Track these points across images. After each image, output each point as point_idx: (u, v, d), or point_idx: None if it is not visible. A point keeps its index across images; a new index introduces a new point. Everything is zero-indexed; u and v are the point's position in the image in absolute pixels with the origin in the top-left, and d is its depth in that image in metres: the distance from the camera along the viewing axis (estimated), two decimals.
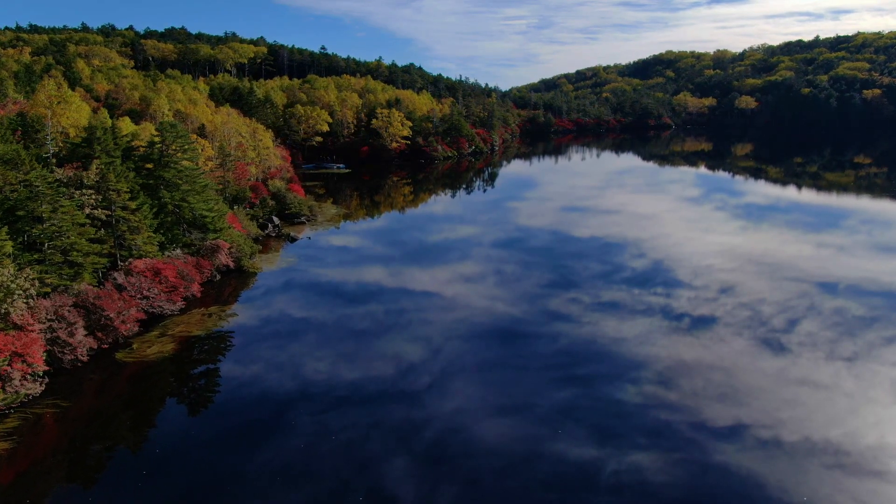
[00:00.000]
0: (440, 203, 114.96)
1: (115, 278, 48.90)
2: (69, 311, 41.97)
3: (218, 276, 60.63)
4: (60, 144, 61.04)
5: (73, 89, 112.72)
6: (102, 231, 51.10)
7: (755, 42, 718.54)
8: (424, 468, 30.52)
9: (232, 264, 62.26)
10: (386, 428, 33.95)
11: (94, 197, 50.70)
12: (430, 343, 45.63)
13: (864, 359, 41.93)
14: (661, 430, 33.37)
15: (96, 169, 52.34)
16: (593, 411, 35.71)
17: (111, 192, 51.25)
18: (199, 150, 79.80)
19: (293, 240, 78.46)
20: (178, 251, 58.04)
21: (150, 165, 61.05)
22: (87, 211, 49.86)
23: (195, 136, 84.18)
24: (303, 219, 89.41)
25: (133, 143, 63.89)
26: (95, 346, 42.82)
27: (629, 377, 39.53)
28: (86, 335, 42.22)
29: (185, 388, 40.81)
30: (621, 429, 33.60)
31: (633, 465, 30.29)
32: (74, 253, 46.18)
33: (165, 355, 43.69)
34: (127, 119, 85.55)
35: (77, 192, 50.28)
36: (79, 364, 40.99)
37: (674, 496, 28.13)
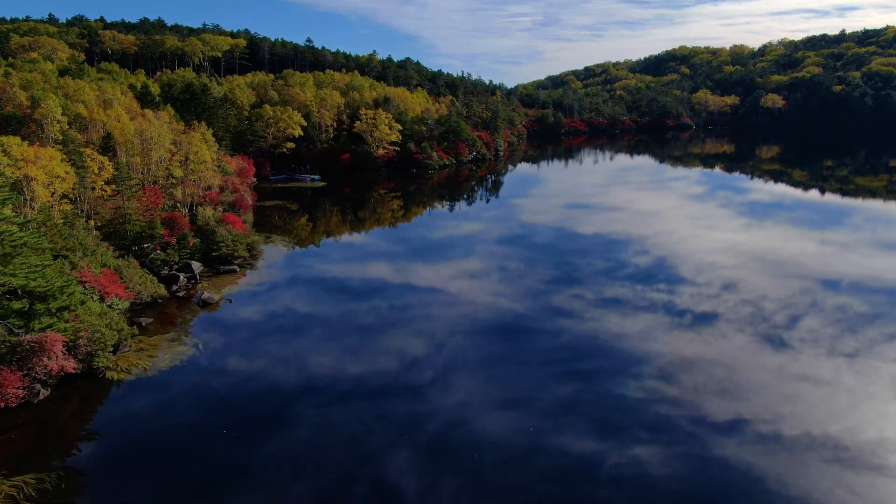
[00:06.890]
0: (437, 214, 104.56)
1: None
2: None
3: (43, 393, 36.52)
4: None
5: None
6: None
7: (761, 39, 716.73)
8: (427, 460, 30.95)
9: (75, 368, 37.79)
10: (390, 421, 34.37)
11: None
12: (433, 338, 46.02)
13: (865, 355, 42.14)
14: (661, 425, 33.71)
15: None
16: (595, 406, 36.05)
17: None
18: (92, 170, 59.72)
19: (205, 304, 53.08)
20: None
21: None
22: None
23: (90, 150, 63.36)
24: (236, 264, 64.14)
25: None
26: None
27: (631, 372, 39.87)
28: None
29: None
30: (622, 423, 33.95)
31: (634, 459, 30.64)
32: None
33: None
34: None
35: None
36: None
37: (674, 489, 28.48)
